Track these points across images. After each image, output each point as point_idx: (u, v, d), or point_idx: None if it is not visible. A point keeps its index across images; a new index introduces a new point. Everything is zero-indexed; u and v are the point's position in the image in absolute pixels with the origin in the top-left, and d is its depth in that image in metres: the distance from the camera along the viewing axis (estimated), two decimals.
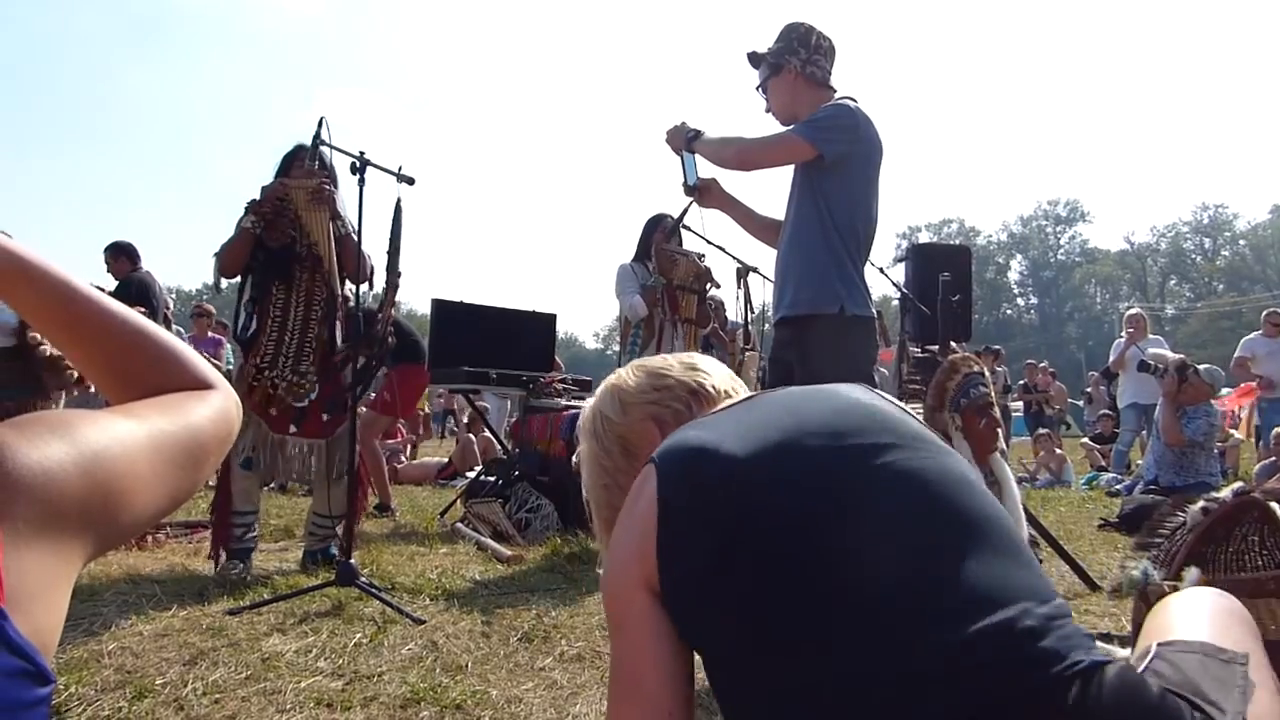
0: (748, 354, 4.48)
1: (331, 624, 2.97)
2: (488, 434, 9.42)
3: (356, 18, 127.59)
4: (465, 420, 10.61)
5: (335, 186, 3.82)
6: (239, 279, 3.83)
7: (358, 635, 2.85)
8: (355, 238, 3.61)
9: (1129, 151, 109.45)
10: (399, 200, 3.27)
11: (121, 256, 6.95)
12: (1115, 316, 50.60)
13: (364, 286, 3.73)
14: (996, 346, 13.82)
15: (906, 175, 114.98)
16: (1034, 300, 71.53)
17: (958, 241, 69.27)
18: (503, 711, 2.33)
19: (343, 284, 3.79)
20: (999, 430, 3.82)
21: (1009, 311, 71.73)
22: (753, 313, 4.52)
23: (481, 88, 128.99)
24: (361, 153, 3.32)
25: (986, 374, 3.85)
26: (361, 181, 3.31)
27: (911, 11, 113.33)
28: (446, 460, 9.03)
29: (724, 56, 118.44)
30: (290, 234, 3.69)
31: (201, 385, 0.85)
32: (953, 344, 5.74)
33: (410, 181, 3.35)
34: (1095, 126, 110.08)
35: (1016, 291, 71.05)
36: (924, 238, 72.19)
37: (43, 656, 0.55)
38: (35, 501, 0.59)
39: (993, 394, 3.84)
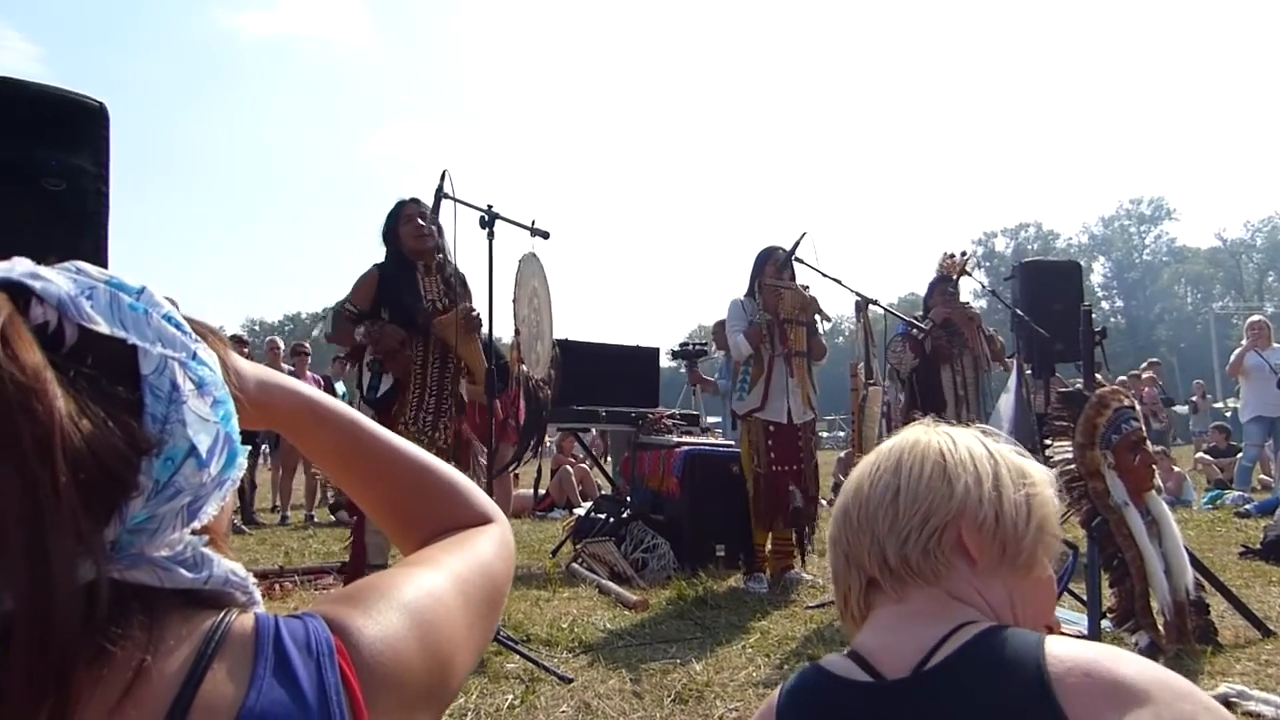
0: (871, 389, 4.34)
1: (479, 683, 2.94)
2: (582, 464, 9.41)
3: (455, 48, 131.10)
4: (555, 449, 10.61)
5: (471, 299, 3.78)
6: None
7: (509, 696, 2.83)
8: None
9: (1215, 144, 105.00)
10: (532, 254, 3.24)
11: None
12: (1209, 317, 48.35)
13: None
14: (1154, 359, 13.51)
15: (979, 178, 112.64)
16: (1119, 303, 68.91)
17: (1035, 246, 67.40)
18: None
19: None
20: (1154, 466, 3.62)
21: (1093, 316, 69.10)
22: (873, 345, 4.39)
23: (531, 106, 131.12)
24: (489, 206, 3.32)
25: (1137, 407, 3.65)
26: (491, 235, 3.29)
27: (982, 6, 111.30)
28: (544, 492, 9.01)
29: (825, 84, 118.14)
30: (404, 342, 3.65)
31: (483, 520, 0.82)
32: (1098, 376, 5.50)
33: (545, 235, 3.30)
34: (1177, 120, 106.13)
35: (1101, 295, 68.27)
36: (1000, 243, 70.38)
37: None
38: (392, 689, 0.58)
39: (1144, 429, 3.64)
